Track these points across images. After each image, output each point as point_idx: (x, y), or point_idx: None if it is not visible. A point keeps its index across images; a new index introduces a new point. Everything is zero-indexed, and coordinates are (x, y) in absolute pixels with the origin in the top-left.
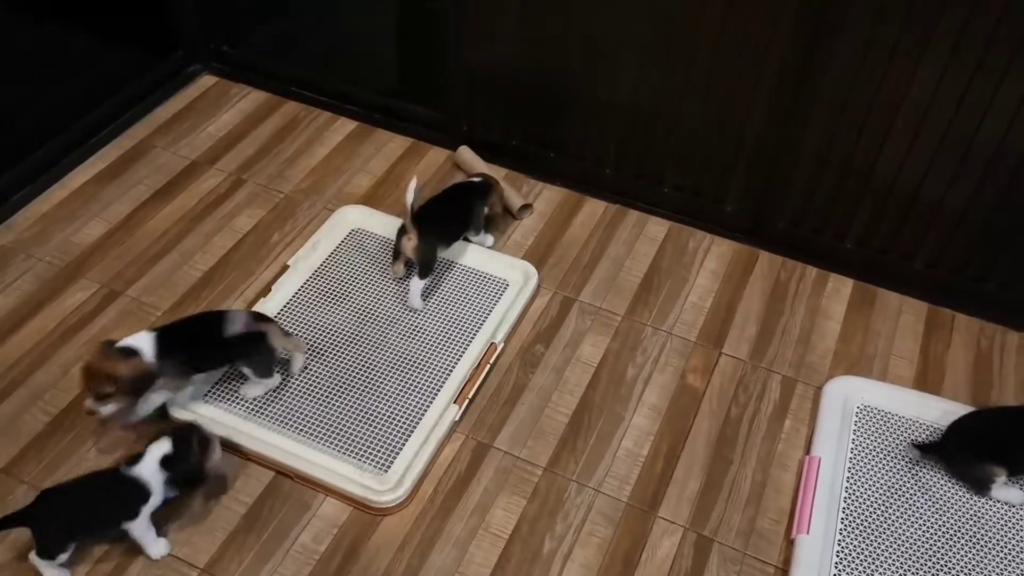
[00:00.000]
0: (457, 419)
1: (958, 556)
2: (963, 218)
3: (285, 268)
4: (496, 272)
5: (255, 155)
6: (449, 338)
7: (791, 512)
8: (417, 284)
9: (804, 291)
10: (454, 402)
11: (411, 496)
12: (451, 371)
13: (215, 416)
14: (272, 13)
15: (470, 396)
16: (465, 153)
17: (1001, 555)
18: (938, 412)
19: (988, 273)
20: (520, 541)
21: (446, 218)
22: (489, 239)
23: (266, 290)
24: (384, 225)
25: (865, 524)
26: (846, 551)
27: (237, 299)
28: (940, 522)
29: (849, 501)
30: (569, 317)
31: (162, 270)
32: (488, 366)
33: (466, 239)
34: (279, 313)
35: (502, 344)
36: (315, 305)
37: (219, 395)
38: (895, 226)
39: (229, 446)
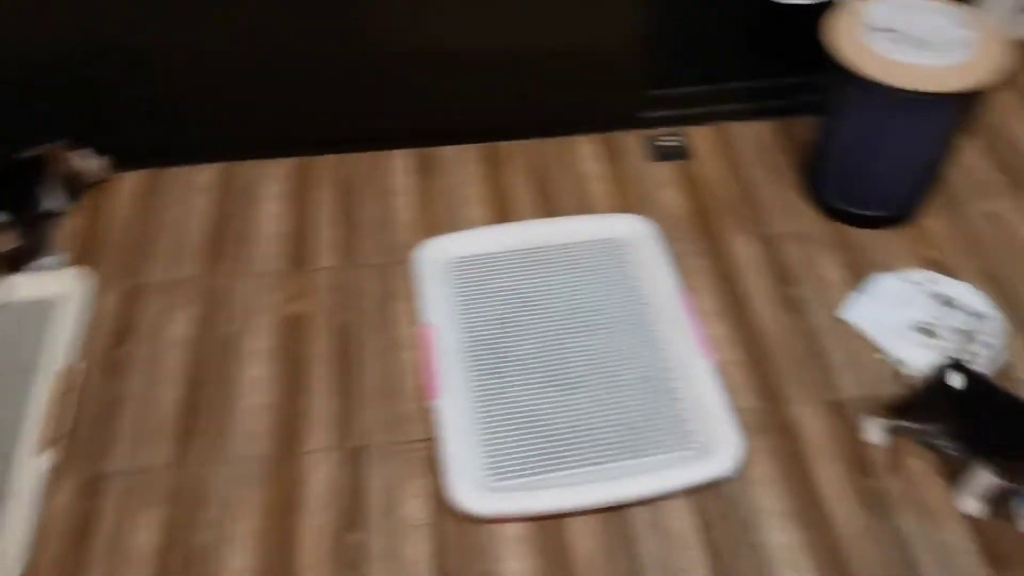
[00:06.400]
0: (49, 467)
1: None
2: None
3: None
4: (33, 295)
5: None
6: (5, 388)
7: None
8: None
9: (370, 179)
10: (39, 453)
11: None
12: (21, 421)
13: None
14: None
15: (58, 437)
16: None
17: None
18: (516, 236)
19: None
20: (175, 550)
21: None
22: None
23: None
24: None
25: (491, 366)
26: (483, 398)
27: None
28: (543, 345)
29: (472, 352)
30: (142, 305)
31: None
32: (72, 393)
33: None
34: None
35: (80, 364)
36: None
37: None
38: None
39: None
